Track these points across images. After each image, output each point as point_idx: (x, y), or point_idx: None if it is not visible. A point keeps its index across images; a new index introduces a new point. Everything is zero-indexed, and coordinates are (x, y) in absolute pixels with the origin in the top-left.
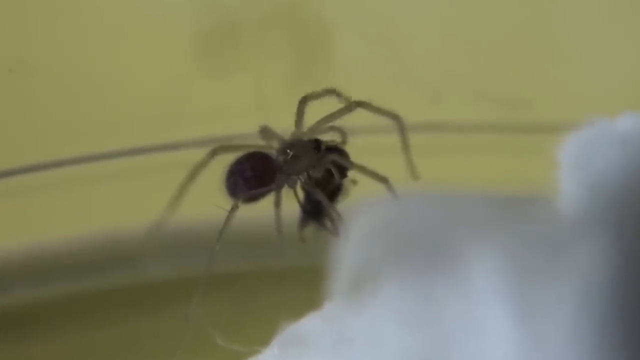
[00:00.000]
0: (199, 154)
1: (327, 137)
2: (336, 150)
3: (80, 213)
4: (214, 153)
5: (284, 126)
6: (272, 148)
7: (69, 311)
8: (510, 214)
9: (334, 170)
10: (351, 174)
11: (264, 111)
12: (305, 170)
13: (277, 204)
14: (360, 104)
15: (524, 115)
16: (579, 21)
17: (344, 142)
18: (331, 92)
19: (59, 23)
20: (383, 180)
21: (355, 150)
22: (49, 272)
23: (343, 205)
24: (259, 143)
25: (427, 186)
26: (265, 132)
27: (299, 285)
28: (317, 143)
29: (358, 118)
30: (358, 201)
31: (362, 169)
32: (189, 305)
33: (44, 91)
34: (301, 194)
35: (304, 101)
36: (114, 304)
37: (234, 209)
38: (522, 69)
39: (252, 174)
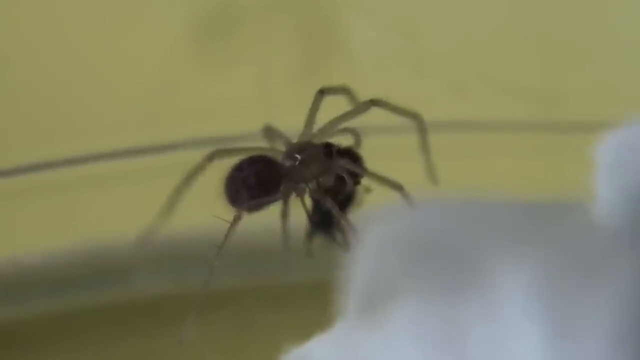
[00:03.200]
0: (194, 155)
1: (337, 139)
2: (349, 154)
3: (62, 223)
4: (211, 157)
5: (290, 125)
6: (277, 150)
7: (50, 332)
8: (542, 224)
9: (346, 177)
10: (364, 181)
11: (267, 108)
12: (315, 178)
13: (284, 214)
14: (376, 103)
15: (558, 113)
16: (618, 7)
17: (357, 144)
18: (345, 90)
19: (33, 10)
20: (397, 187)
21: (368, 152)
22: (27, 289)
23: (355, 215)
24: (261, 145)
25: (449, 192)
26: (269, 132)
27: (305, 304)
28: (328, 148)
29: (371, 116)
30: (372, 210)
31: (375, 176)
32: (183, 325)
33: (18, 87)
34: (309, 202)
35: (321, 94)
36: (99, 324)
37: (236, 220)
38: (555, 61)
39: (255, 181)
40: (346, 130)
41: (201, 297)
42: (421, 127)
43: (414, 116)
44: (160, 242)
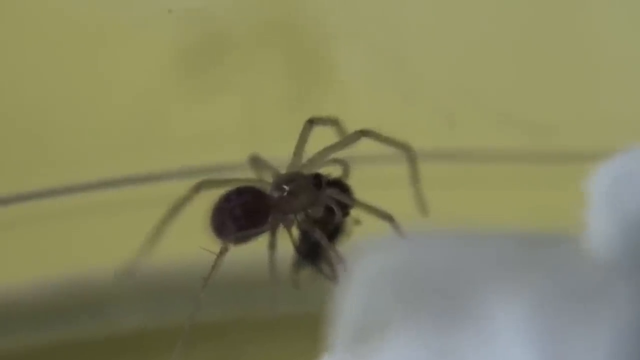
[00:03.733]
0: (180, 186)
1: (326, 170)
2: (338, 185)
3: (44, 254)
4: (198, 187)
5: (278, 155)
6: (265, 182)
7: None
8: (536, 255)
9: (335, 208)
10: (354, 212)
11: (254, 138)
12: (303, 209)
13: (272, 246)
14: (365, 133)
15: (551, 143)
16: (610, 38)
17: (346, 175)
18: (334, 122)
19: (20, 40)
20: (387, 217)
21: (357, 181)
22: (5, 322)
23: (344, 246)
24: (248, 175)
25: (441, 224)
26: (256, 162)
27: (293, 336)
28: (317, 179)
29: (360, 145)
30: (362, 241)
31: (364, 206)
32: (170, 357)
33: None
34: (295, 233)
35: (309, 124)
36: (84, 357)
37: (222, 252)
38: (548, 90)
39: (243, 213)
40: (335, 161)
41: (187, 330)
42: (411, 158)
43: (404, 147)
44: (147, 274)
